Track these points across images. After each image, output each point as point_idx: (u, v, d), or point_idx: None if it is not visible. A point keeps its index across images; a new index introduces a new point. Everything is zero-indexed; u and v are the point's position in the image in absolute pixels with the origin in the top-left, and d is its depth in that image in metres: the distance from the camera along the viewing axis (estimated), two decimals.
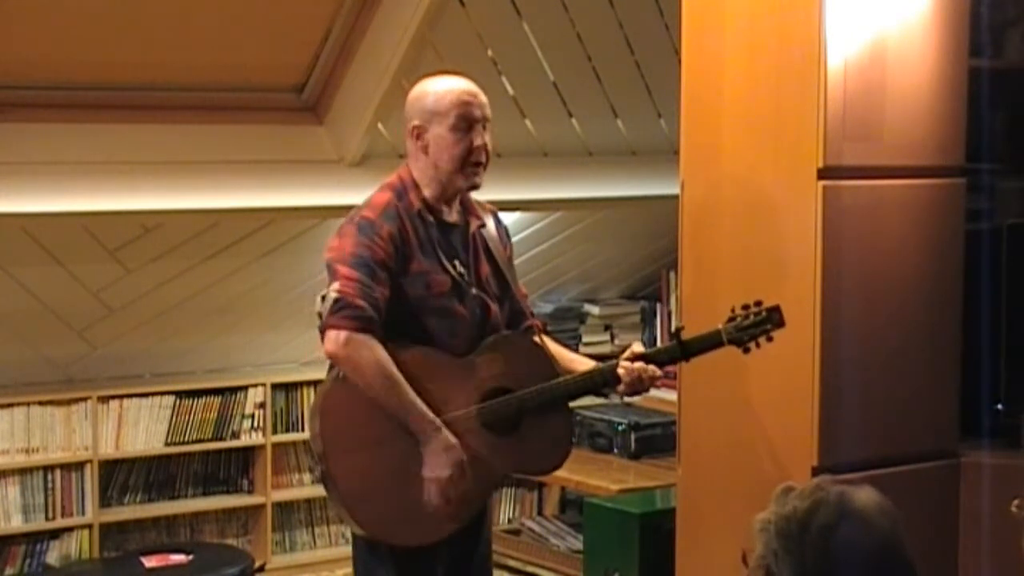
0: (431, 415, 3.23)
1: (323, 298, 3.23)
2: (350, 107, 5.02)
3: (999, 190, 4.18)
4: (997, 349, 3.98)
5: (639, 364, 3.35)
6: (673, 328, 3.48)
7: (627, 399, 5.80)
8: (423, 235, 3.31)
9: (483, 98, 3.36)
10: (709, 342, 3.40)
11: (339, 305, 3.18)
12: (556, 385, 3.36)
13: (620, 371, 3.35)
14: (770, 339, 3.38)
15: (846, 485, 2.18)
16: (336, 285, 3.21)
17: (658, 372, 3.37)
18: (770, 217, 3.70)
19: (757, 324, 3.36)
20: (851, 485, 2.18)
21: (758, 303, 3.38)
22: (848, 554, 2.09)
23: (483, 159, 3.33)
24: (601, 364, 3.45)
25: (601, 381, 3.41)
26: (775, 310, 3.37)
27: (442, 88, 3.35)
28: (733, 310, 3.38)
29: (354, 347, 3.17)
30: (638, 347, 3.43)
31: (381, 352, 3.19)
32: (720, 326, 3.38)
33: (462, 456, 3.24)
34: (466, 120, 3.30)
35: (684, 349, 3.40)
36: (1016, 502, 3.09)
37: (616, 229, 6.10)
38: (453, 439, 3.24)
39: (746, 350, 3.38)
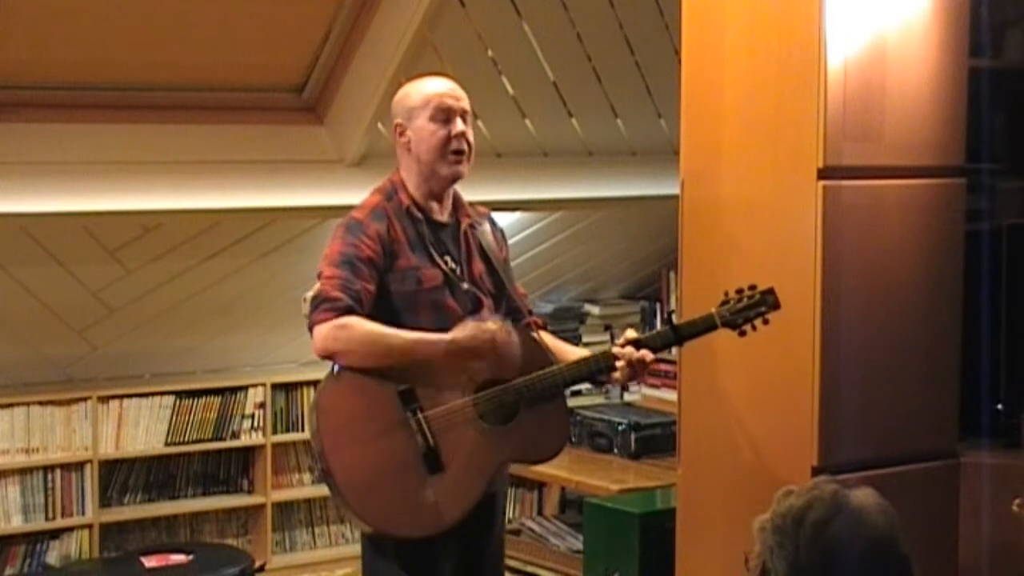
0: (433, 338, 3.25)
1: (305, 300, 3.31)
2: (350, 107, 5.02)
3: (999, 190, 4.18)
4: (997, 349, 3.98)
5: (629, 348, 3.36)
6: (666, 315, 3.48)
7: (627, 398, 5.83)
8: (412, 232, 3.36)
9: (460, 92, 3.44)
10: (702, 326, 3.41)
11: (317, 301, 3.26)
12: (551, 373, 3.37)
13: (614, 352, 3.37)
14: (766, 322, 3.39)
15: (844, 484, 2.18)
16: (317, 285, 3.29)
17: (650, 356, 3.36)
18: (770, 217, 3.70)
19: (751, 307, 3.38)
20: (850, 484, 2.19)
21: (752, 286, 3.39)
22: (841, 548, 2.10)
23: (463, 147, 3.38)
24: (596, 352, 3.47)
25: (596, 368, 3.40)
26: (769, 292, 3.39)
27: (420, 86, 3.45)
28: (727, 294, 3.40)
29: (335, 334, 3.23)
30: (631, 333, 3.44)
31: (361, 325, 3.23)
32: (713, 310, 3.39)
33: (481, 326, 3.27)
34: (442, 111, 3.37)
35: (677, 333, 3.42)
36: (1017, 502, 3.10)
37: (616, 229, 6.10)
38: (460, 328, 3.27)
39: (741, 333, 3.39)
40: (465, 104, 3.42)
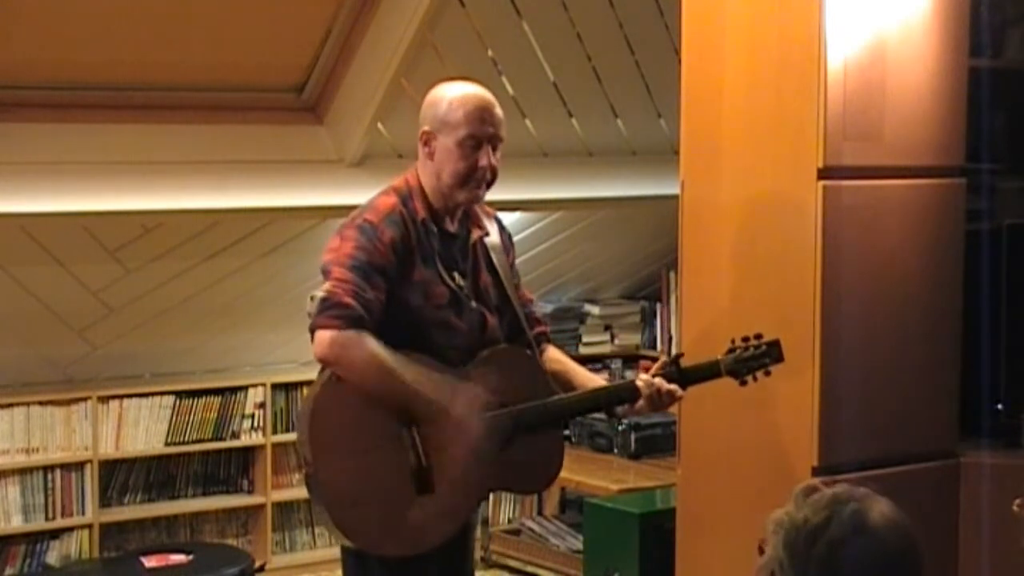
0: (434, 396, 3.14)
1: (312, 298, 3.16)
2: (350, 107, 5.02)
3: (999, 190, 4.18)
4: (997, 349, 3.97)
5: (659, 379, 3.27)
6: (672, 354, 3.42)
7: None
8: (425, 244, 3.22)
9: (498, 113, 3.24)
10: (707, 372, 3.35)
11: (326, 304, 3.09)
12: (556, 402, 3.28)
13: (639, 384, 3.27)
14: (768, 373, 3.34)
15: (865, 498, 2.13)
16: (327, 285, 3.12)
17: (680, 392, 3.29)
18: (770, 217, 3.70)
19: (756, 358, 3.32)
20: (870, 499, 2.14)
21: (758, 336, 3.34)
22: (853, 573, 2.07)
23: (487, 178, 3.23)
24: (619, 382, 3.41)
25: (616, 397, 3.31)
26: (775, 345, 3.33)
27: (458, 98, 3.23)
28: (733, 341, 3.34)
29: (342, 346, 3.08)
30: (644, 376, 3.35)
31: (372, 345, 3.09)
32: (719, 357, 3.34)
33: (482, 401, 3.18)
34: (475, 138, 3.18)
35: (683, 377, 3.32)
36: (1017, 501, 3.09)
37: (616, 229, 6.10)
38: (465, 401, 3.16)
39: (743, 383, 3.34)
40: (500, 130, 3.23)
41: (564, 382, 3.36)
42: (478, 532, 4.25)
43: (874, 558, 2.07)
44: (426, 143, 3.25)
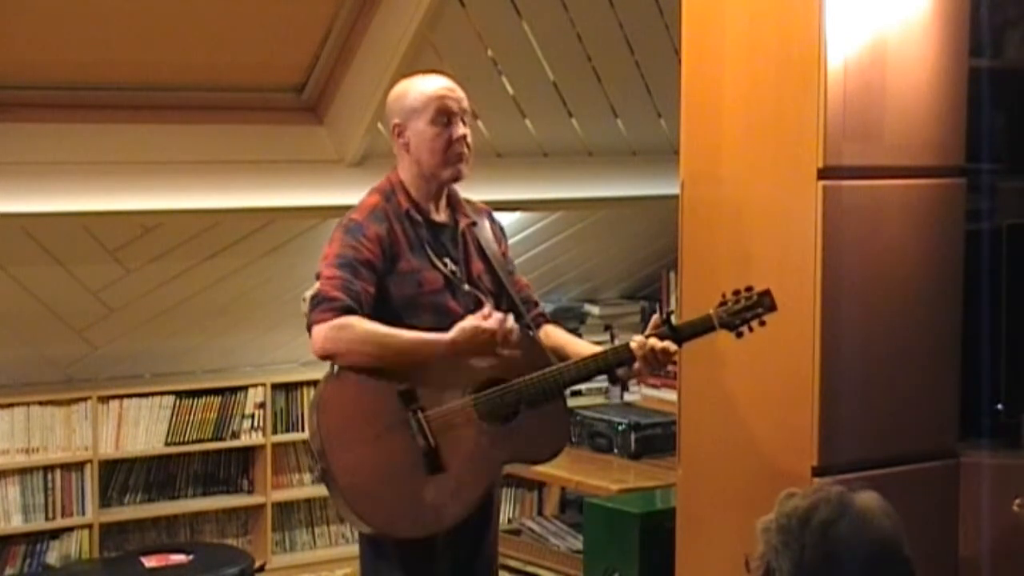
0: (432, 339, 3.25)
1: (304, 299, 3.31)
2: (350, 107, 5.02)
3: (999, 190, 4.18)
4: (997, 349, 3.98)
5: (652, 339, 3.33)
6: (664, 314, 3.46)
7: (627, 398, 5.83)
8: (412, 235, 3.35)
9: (460, 92, 3.41)
10: (700, 327, 3.40)
11: (316, 301, 3.25)
12: (552, 372, 3.35)
13: (633, 345, 3.33)
14: (762, 323, 3.37)
15: (847, 487, 2.19)
16: (316, 284, 3.28)
17: (674, 347, 3.34)
18: (770, 217, 3.70)
19: (748, 308, 3.36)
20: (854, 488, 2.19)
21: (749, 288, 3.38)
22: (846, 549, 2.10)
23: (464, 150, 3.37)
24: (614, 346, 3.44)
25: (614, 361, 3.38)
26: (766, 294, 3.38)
27: (419, 85, 3.42)
28: (724, 295, 3.39)
29: (334, 334, 3.22)
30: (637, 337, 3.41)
31: (361, 324, 3.22)
32: (711, 311, 3.38)
33: (479, 326, 3.25)
34: (444, 113, 3.35)
35: (676, 334, 3.38)
36: (1017, 502, 3.10)
37: (616, 229, 6.10)
38: (457, 329, 3.26)
39: (739, 334, 3.38)
40: (465, 104, 3.41)
41: (562, 355, 3.46)
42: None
43: (864, 536, 2.11)
44: (399, 134, 3.41)
